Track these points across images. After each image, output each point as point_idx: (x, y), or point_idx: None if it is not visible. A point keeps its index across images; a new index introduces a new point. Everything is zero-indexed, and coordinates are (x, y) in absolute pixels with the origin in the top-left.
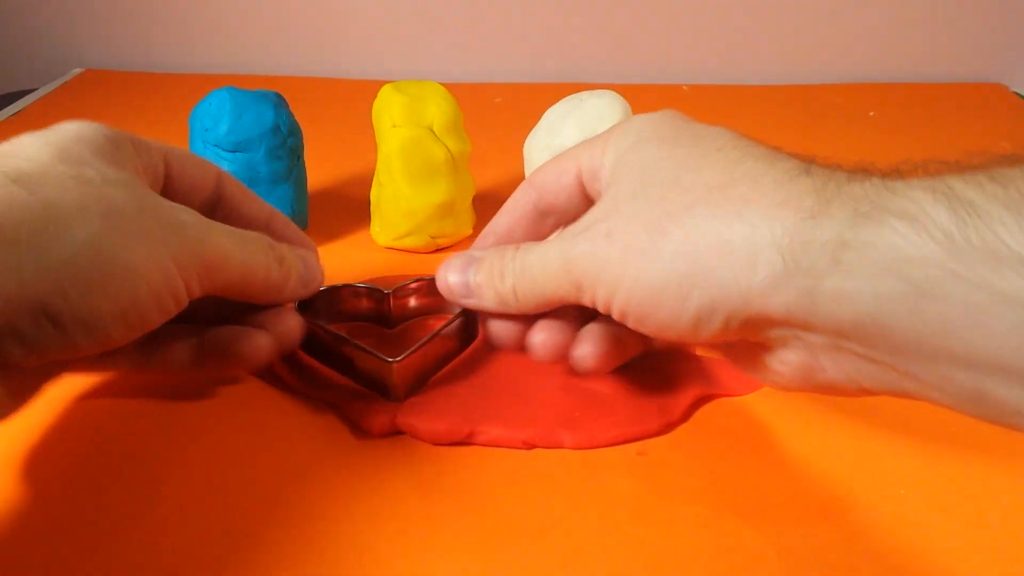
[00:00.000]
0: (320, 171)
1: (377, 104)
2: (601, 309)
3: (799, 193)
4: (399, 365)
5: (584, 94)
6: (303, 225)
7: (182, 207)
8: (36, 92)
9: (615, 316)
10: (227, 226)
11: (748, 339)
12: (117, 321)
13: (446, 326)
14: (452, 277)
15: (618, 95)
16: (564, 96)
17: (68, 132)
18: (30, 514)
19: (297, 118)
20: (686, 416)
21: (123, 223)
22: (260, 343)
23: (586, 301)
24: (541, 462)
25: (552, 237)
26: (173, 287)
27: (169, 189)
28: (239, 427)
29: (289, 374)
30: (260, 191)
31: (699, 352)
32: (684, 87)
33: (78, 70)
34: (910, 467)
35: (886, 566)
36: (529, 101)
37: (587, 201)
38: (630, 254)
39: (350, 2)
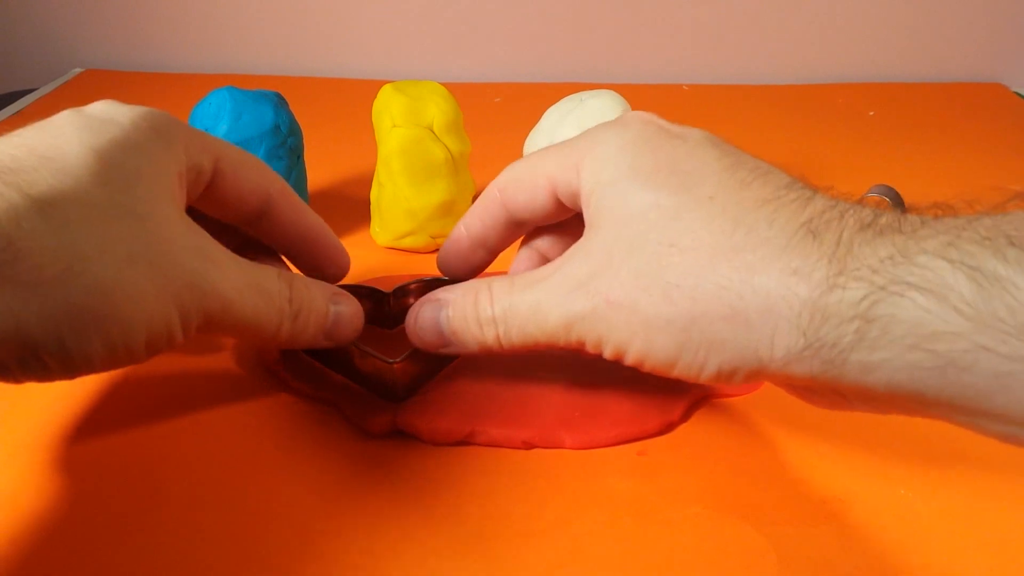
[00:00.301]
0: (320, 171)
1: (377, 104)
2: (609, 359)
3: (810, 262)
4: (400, 366)
5: (584, 94)
6: None
7: (199, 243)
8: (36, 92)
9: (624, 363)
10: (243, 271)
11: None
12: (105, 362)
13: None
14: (423, 330)
15: (618, 95)
16: (564, 95)
17: (117, 134)
18: (31, 514)
19: (297, 118)
20: (686, 416)
21: (138, 268)
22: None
23: (589, 351)
24: (541, 462)
25: (538, 278)
26: (170, 334)
27: (212, 193)
28: (239, 427)
29: (289, 374)
30: None
31: None
32: (684, 87)
33: (78, 70)
34: (911, 468)
35: (887, 567)
36: (529, 101)
37: (565, 211)
38: (636, 322)
39: (350, 1)
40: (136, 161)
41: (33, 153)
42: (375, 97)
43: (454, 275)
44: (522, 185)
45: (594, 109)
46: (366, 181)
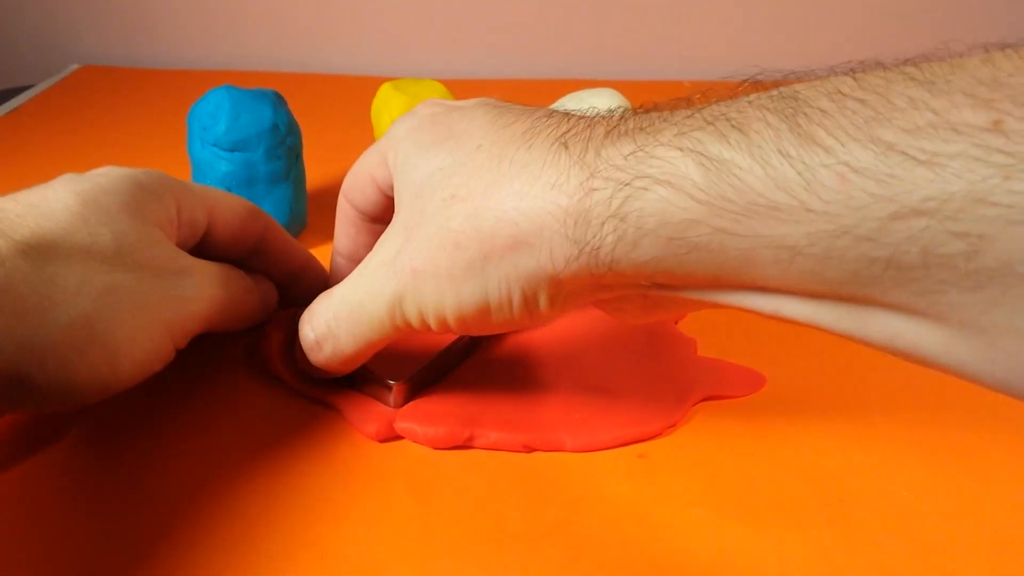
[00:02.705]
0: (319, 170)
1: (376, 103)
2: (437, 330)
3: (565, 172)
4: (398, 387)
5: (584, 92)
6: (302, 225)
7: (178, 263)
8: (34, 88)
9: (453, 331)
10: (213, 269)
11: (582, 303)
12: (93, 390)
13: (451, 345)
14: (303, 342)
15: (618, 93)
16: (564, 92)
17: (103, 181)
18: (26, 512)
19: (296, 115)
20: (686, 418)
21: (120, 297)
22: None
23: (419, 330)
24: (541, 465)
25: (352, 279)
26: (161, 352)
27: (209, 239)
28: (239, 429)
29: (290, 377)
30: (259, 191)
31: (700, 353)
32: (685, 83)
33: (76, 66)
34: (913, 469)
35: (888, 569)
36: (529, 98)
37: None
38: (440, 281)
39: None
40: (117, 199)
41: (21, 203)
42: (374, 94)
43: None
44: (357, 186)
45: (594, 107)
46: None
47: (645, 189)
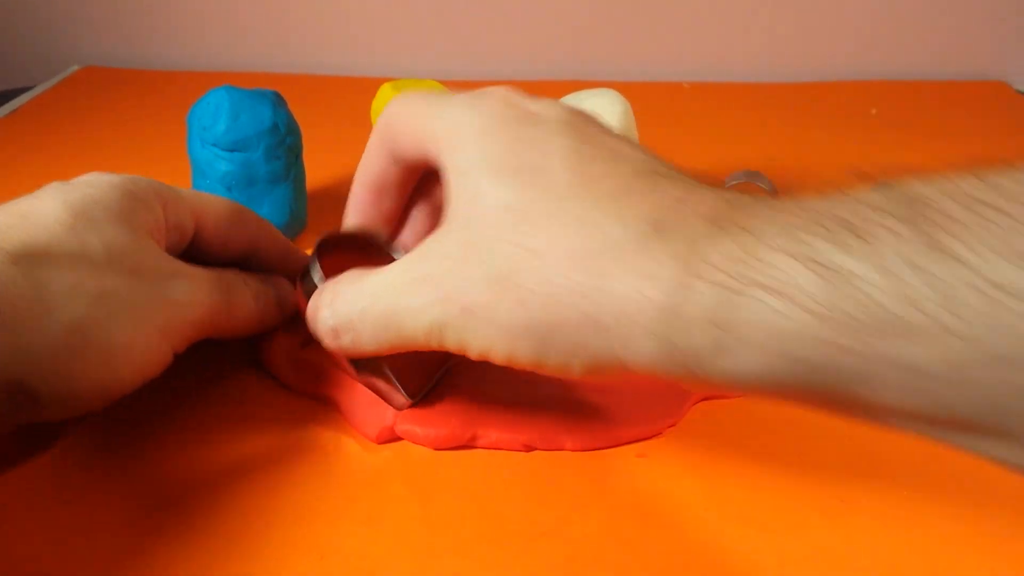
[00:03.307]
0: (319, 170)
1: (376, 103)
2: (476, 360)
3: (659, 263)
4: (415, 400)
5: (584, 93)
6: (301, 225)
7: (171, 267)
8: (34, 89)
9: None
10: (214, 275)
11: None
12: (95, 396)
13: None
14: (319, 322)
15: (618, 94)
16: (564, 93)
17: (91, 191)
18: (24, 510)
19: (296, 116)
20: (687, 417)
21: (113, 302)
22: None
23: (454, 352)
24: (541, 464)
25: (391, 277)
26: (158, 356)
27: (197, 243)
28: (238, 428)
29: (291, 376)
30: (258, 191)
31: None
32: (685, 84)
33: (76, 67)
34: (914, 469)
35: (889, 570)
36: None
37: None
38: (494, 328)
39: None
40: (105, 209)
41: (13, 214)
42: (374, 94)
43: (361, 227)
44: (403, 127)
45: (595, 108)
46: None
47: (752, 298)
